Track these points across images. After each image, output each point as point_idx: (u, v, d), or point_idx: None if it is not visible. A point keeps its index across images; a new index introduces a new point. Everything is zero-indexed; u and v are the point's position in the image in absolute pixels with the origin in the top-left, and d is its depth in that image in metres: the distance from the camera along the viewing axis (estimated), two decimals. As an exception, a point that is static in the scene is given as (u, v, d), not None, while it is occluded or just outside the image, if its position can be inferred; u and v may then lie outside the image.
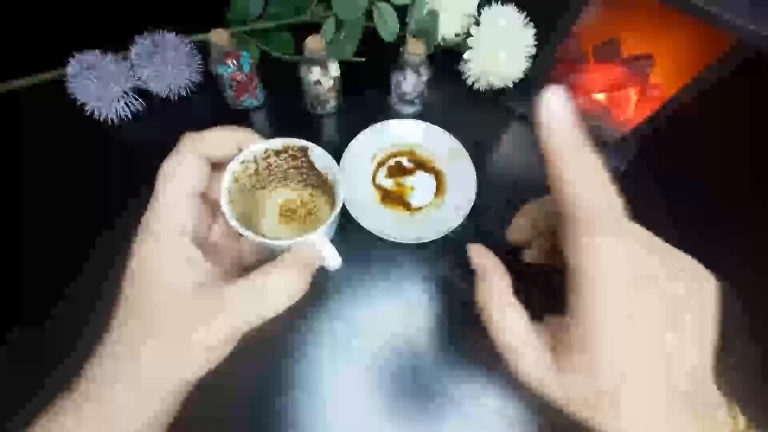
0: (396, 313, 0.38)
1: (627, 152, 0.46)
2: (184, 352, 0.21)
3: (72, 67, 0.42)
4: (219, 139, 0.25)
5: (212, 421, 0.32)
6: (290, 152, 0.28)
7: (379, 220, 0.41)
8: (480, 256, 0.24)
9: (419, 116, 0.47)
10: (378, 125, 0.45)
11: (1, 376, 0.33)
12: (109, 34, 0.44)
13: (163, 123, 0.46)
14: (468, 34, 0.46)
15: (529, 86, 0.47)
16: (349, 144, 0.44)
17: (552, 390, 0.19)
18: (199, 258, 0.23)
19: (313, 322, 0.37)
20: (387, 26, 0.45)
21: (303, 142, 0.28)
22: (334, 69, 0.43)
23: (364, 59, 0.47)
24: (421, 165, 0.45)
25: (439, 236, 0.40)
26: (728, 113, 0.48)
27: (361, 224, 0.39)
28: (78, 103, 0.43)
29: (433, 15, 0.45)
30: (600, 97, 0.47)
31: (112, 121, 0.44)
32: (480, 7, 0.46)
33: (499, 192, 0.44)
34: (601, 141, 0.46)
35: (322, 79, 0.43)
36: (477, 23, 0.45)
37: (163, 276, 0.21)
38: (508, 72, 0.46)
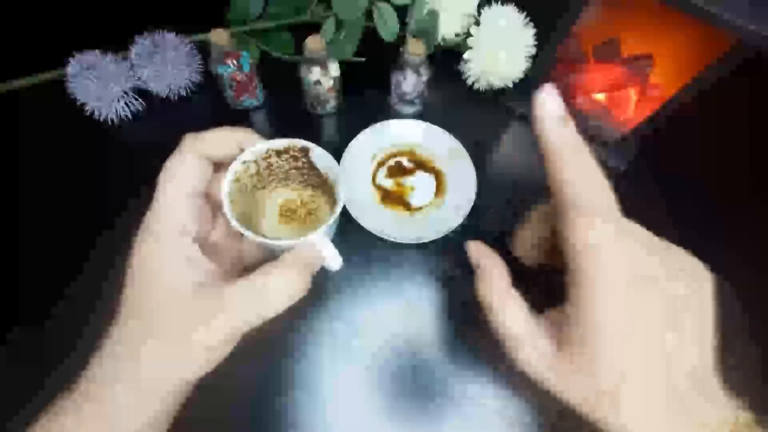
0: (396, 313, 0.38)
1: (627, 152, 0.46)
2: (184, 352, 0.21)
3: (72, 67, 0.42)
4: (220, 139, 0.25)
5: (212, 421, 0.32)
6: (291, 152, 0.28)
7: (379, 220, 0.41)
8: (479, 252, 0.24)
9: (419, 116, 0.47)
10: (378, 125, 0.45)
11: (1, 376, 0.33)
12: (109, 34, 0.44)
13: (163, 123, 0.46)
14: (468, 34, 0.46)
15: (529, 86, 0.47)
16: (349, 144, 0.44)
17: (552, 383, 0.20)
18: (200, 258, 0.23)
19: (313, 322, 0.37)
20: (387, 26, 0.45)
21: (304, 143, 0.28)
22: (334, 69, 0.43)
23: (364, 59, 0.47)
24: (421, 165, 0.45)
25: (439, 236, 0.40)
26: (728, 113, 0.48)
27: (361, 224, 0.39)
28: (78, 103, 0.43)
29: (433, 15, 0.45)
30: (600, 97, 0.47)
31: (112, 121, 0.44)
32: (480, 7, 0.46)
33: (499, 192, 0.44)
34: (601, 141, 0.46)
35: (322, 79, 0.43)
36: (477, 23, 0.45)
37: (163, 276, 0.21)
38: (508, 72, 0.46)
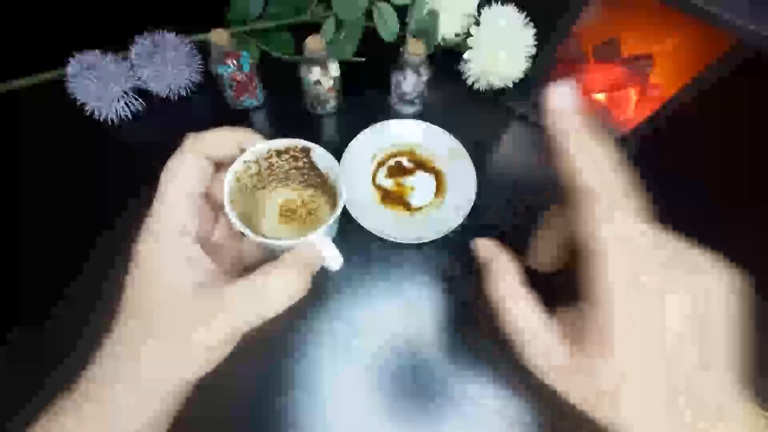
0: (396, 313, 0.38)
1: (627, 152, 0.46)
2: (184, 352, 0.21)
3: (72, 67, 0.42)
4: (221, 139, 0.25)
5: (212, 421, 0.32)
6: (292, 152, 0.28)
7: (379, 220, 0.41)
8: (486, 249, 0.24)
9: (419, 116, 0.47)
10: (378, 125, 0.45)
11: (1, 376, 0.33)
12: (109, 34, 0.44)
13: (163, 123, 0.46)
14: (468, 34, 0.46)
15: (529, 86, 0.47)
16: (349, 144, 0.44)
17: (562, 383, 0.19)
18: (200, 258, 0.23)
19: (313, 322, 0.37)
20: (387, 26, 0.45)
21: (305, 143, 0.28)
22: (334, 69, 0.43)
23: (364, 59, 0.47)
24: (421, 165, 0.45)
25: (439, 236, 0.40)
26: (728, 113, 0.48)
27: (361, 224, 0.39)
28: (78, 103, 0.43)
29: (433, 15, 0.45)
30: (600, 97, 0.47)
31: (112, 121, 0.44)
32: (480, 7, 0.46)
33: (499, 192, 0.44)
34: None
35: (322, 79, 0.43)
36: (477, 23, 0.45)
37: (163, 276, 0.21)
38: (508, 72, 0.46)
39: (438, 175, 0.44)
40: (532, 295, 0.21)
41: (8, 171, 0.42)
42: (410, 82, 0.44)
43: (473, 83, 0.49)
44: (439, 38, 0.48)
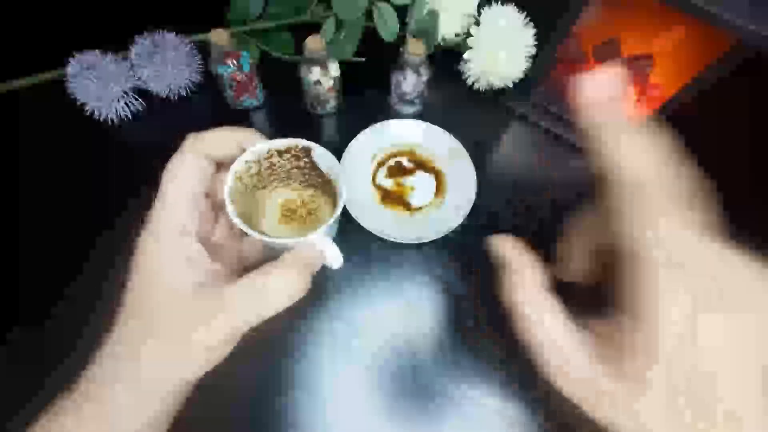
0: (396, 313, 0.38)
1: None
2: (184, 352, 0.21)
3: (72, 67, 0.42)
4: (221, 139, 0.25)
5: (212, 421, 0.32)
6: (293, 152, 0.28)
7: (379, 220, 0.41)
8: (505, 247, 0.21)
9: (419, 116, 0.47)
10: (378, 125, 0.45)
11: (1, 376, 0.33)
12: (109, 34, 0.44)
13: (163, 123, 0.46)
14: (468, 34, 0.46)
15: (529, 86, 0.47)
16: (349, 144, 0.44)
17: (591, 401, 0.17)
18: (200, 258, 0.23)
19: (313, 322, 0.37)
20: (387, 26, 0.45)
21: (306, 142, 0.28)
22: (334, 69, 0.43)
23: (364, 59, 0.47)
24: (421, 165, 0.45)
25: (439, 236, 0.40)
26: (728, 113, 0.48)
27: (361, 224, 0.39)
28: (78, 103, 0.43)
29: (433, 15, 0.45)
30: (600, 97, 0.46)
31: (112, 121, 0.44)
32: (480, 7, 0.46)
33: (499, 192, 0.44)
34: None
35: (322, 79, 0.43)
36: (477, 23, 0.45)
37: (163, 276, 0.21)
38: (508, 72, 0.46)
39: (438, 175, 0.44)
40: (556, 302, 0.19)
41: (8, 171, 0.42)
42: (410, 82, 0.44)
43: (473, 83, 0.49)
44: (439, 38, 0.48)
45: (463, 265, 0.40)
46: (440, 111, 0.48)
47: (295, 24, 0.48)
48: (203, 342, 0.21)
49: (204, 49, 0.44)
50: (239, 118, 0.47)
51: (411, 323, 0.38)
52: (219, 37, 0.39)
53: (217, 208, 0.26)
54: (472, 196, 0.42)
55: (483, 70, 0.46)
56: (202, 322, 0.21)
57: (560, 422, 0.34)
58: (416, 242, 0.40)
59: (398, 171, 0.45)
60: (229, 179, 0.25)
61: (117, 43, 0.44)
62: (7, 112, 0.44)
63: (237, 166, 0.26)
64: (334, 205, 0.28)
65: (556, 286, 0.20)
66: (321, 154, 0.28)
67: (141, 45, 0.43)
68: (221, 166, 0.26)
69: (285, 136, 0.27)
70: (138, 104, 0.45)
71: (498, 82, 0.47)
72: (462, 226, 0.40)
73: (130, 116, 0.45)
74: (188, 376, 0.22)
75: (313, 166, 0.30)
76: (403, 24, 0.46)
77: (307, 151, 0.28)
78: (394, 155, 0.45)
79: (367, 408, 0.34)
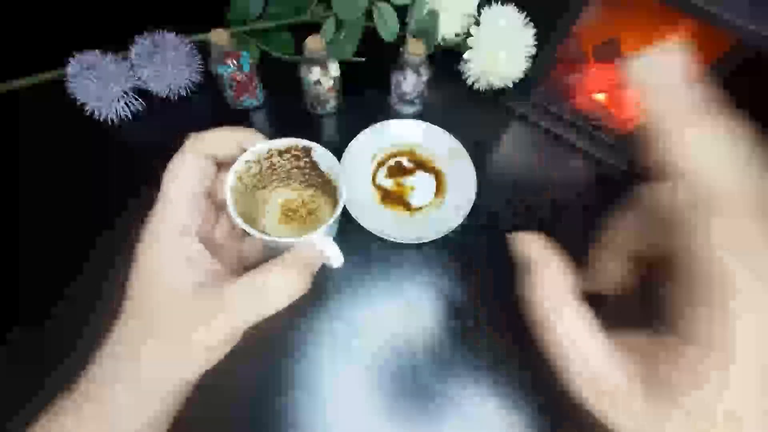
0: (396, 313, 0.38)
1: (627, 152, 0.46)
2: (184, 352, 0.21)
3: (72, 67, 0.42)
4: (222, 139, 0.25)
5: (212, 421, 0.32)
6: (293, 152, 0.28)
7: (379, 220, 0.41)
8: (529, 245, 0.19)
9: (419, 116, 0.47)
10: (378, 125, 0.45)
11: (1, 376, 0.33)
12: (109, 34, 0.44)
13: (163, 123, 0.46)
14: (468, 34, 0.46)
15: (529, 86, 0.47)
16: (349, 144, 0.44)
17: (619, 422, 0.15)
18: (200, 258, 0.23)
19: (313, 322, 0.37)
20: (387, 26, 0.45)
21: (306, 142, 0.28)
22: (334, 69, 0.43)
23: (364, 59, 0.47)
24: (421, 165, 0.45)
25: (439, 236, 0.40)
26: (728, 113, 0.48)
27: (361, 224, 0.39)
28: (78, 103, 0.43)
29: (433, 15, 0.45)
30: (600, 97, 0.47)
31: (112, 121, 0.44)
32: (480, 7, 0.46)
33: (499, 192, 0.44)
34: (601, 141, 0.47)
35: (322, 79, 0.43)
36: (477, 23, 0.45)
37: (163, 276, 0.21)
38: (508, 72, 0.46)
39: (438, 175, 0.44)
40: (587, 310, 0.17)
41: (8, 171, 0.42)
42: (410, 82, 0.44)
43: (473, 83, 0.49)
44: (439, 38, 0.48)
45: (463, 265, 0.40)
46: (440, 111, 0.48)
47: (295, 24, 0.48)
48: (203, 342, 0.21)
49: (204, 49, 0.44)
50: (239, 118, 0.47)
51: (411, 323, 0.38)
52: (219, 37, 0.39)
53: (218, 207, 0.26)
54: (472, 196, 0.42)
55: (483, 70, 0.46)
56: (202, 322, 0.21)
57: (560, 422, 0.34)
58: (416, 242, 0.40)
59: (398, 171, 0.45)
60: (229, 179, 0.25)
61: (117, 43, 0.44)
62: (7, 112, 0.44)
63: (237, 166, 0.26)
64: (335, 205, 0.28)
65: (586, 297, 0.18)
66: (321, 154, 0.28)
67: (141, 45, 0.43)
68: (222, 166, 0.26)
69: (285, 136, 0.27)
70: (138, 104, 0.45)
71: (498, 82, 0.47)
72: (462, 226, 0.40)
73: (130, 116, 0.45)
74: (188, 376, 0.22)
75: (314, 166, 0.30)
76: (403, 24, 0.46)
77: (307, 151, 0.28)
78: (394, 155, 0.45)
79: (367, 408, 0.34)
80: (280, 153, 0.28)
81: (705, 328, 0.13)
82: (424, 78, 0.44)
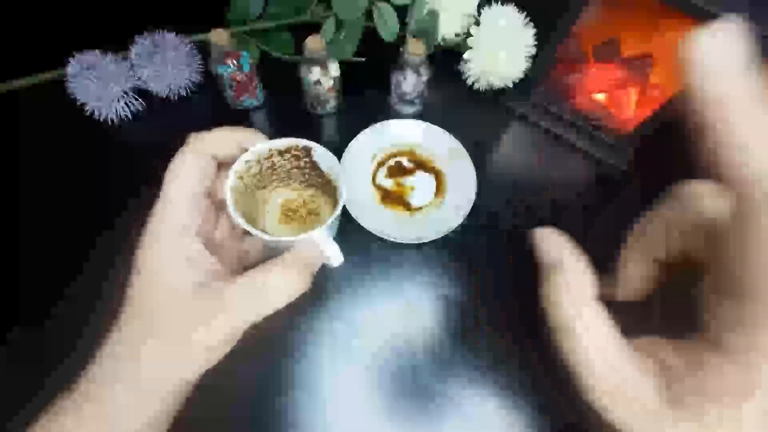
0: (396, 313, 0.38)
1: (627, 152, 0.46)
2: (184, 352, 0.21)
3: (72, 67, 0.42)
4: (223, 139, 0.25)
5: (212, 421, 0.32)
6: (293, 152, 0.28)
7: (379, 220, 0.41)
8: (552, 243, 0.18)
9: (419, 116, 0.47)
10: (378, 125, 0.45)
11: (1, 376, 0.33)
12: (109, 34, 0.44)
13: (163, 123, 0.46)
14: (468, 34, 0.46)
15: (529, 86, 0.47)
16: (349, 144, 0.44)
17: (640, 426, 0.14)
18: (200, 258, 0.23)
19: (313, 322, 0.37)
20: (387, 26, 0.45)
21: (306, 142, 0.28)
22: (334, 69, 0.43)
23: (364, 59, 0.47)
24: (421, 165, 0.45)
25: (439, 236, 0.40)
26: None
27: (361, 224, 0.39)
28: (78, 103, 0.43)
29: (433, 15, 0.45)
30: (600, 97, 0.47)
31: (112, 121, 0.44)
32: (480, 7, 0.46)
33: (499, 192, 0.44)
34: (601, 141, 0.46)
35: (322, 79, 0.43)
36: (477, 23, 0.45)
37: (163, 276, 0.21)
38: (508, 72, 0.46)
39: (438, 175, 0.44)
40: (607, 315, 0.16)
41: (8, 171, 0.42)
42: (410, 82, 0.44)
43: (473, 83, 0.49)
44: (439, 38, 0.48)
45: (463, 265, 0.40)
46: (440, 111, 0.48)
47: (295, 24, 0.48)
48: (203, 342, 0.21)
49: (204, 49, 0.44)
50: (239, 118, 0.47)
51: (411, 323, 0.38)
52: (219, 37, 0.39)
53: (218, 207, 0.26)
54: (472, 196, 0.42)
55: (483, 70, 0.46)
56: (202, 322, 0.21)
57: (561, 422, 0.34)
58: (416, 242, 0.40)
59: (398, 171, 0.45)
60: (230, 179, 0.25)
61: (117, 43, 0.44)
62: (7, 112, 0.44)
63: (238, 166, 0.26)
64: (335, 205, 0.28)
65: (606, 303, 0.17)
66: (321, 154, 0.28)
67: (141, 45, 0.43)
68: (222, 165, 0.26)
69: (285, 136, 0.27)
70: (138, 104, 0.45)
71: (498, 82, 0.47)
72: (462, 226, 0.40)
73: (130, 116, 0.45)
74: (188, 376, 0.22)
75: (314, 166, 0.30)
76: (403, 24, 0.46)
77: (307, 151, 0.28)
78: (394, 155, 0.45)
79: (367, 408, 0.34)
80: (281, 153, 0.28)
81: (747, 341, 0.13)
82: (424, 78, 0.44)
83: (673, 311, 0.16)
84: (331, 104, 0.46)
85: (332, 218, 0.26)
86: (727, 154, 0.12)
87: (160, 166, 0.24)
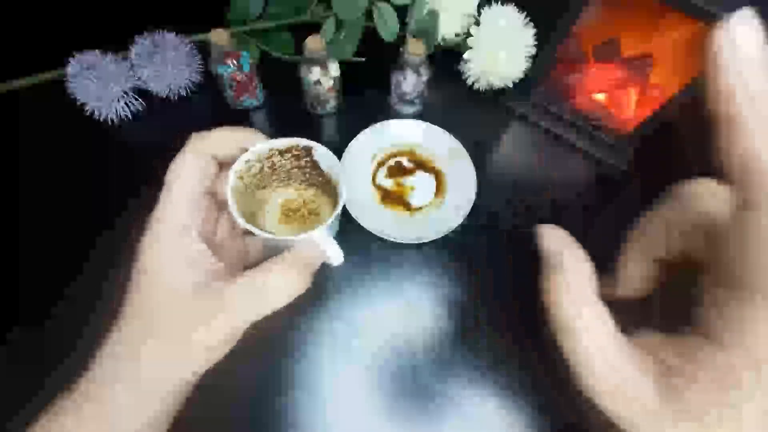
0: (396, 313, 0.38)
1: (627, 152, 0.46)
2: (184, 352, 0.21)
3: (72, 67, 0.42)
4: (223, 139, 0.25)
5: (212, 421, 0.32)
6: (294, 152, 0.29)
7: (379, 220, 0.41)
8: (555, 240, 0.18)
9: (419, 116, 0.47)
10: (378, 125, 0.45)
11: (1, 376, 0.33)
12: (109, 34, 0.44)
13: (163, 123, 0.46)
14: (468, 34, 0.46)
15: (529, 86, 0.47)
16: (349, 144, 0.44)
17: (640, 422, 0.14)
18: (201, 257, 0.23)
19: (313, 322, 0.37)
20: (387, 26, 0.45)
21: (307, 141, 0.28)
22: (334, 69, 0.43)
23: (364, 59, 0.47)
24: (421, 165, 0.45)
25: (439, 236, 0.40)
26: None
27: (361, 224, 0.39)
28: (78, 103, 0.43)
29: (433, 15, 0.45)
30: (600, 97, 0.47)
31: (112, 121, 0.44)
32: (480, 7, 0.46)
33: (499, 192, 0.44)
34: (601, 141, 0.46)
35: (322, 79, 0.43)
36: (477, 23, 0.45)
37: (163, 276, 0.21)
38: (508, 72, 0.46)
39: (438, 175, 0.44)
40: (607, 312, 0.16)
41: (8, 171, 0.42)
42: (410, 82, 0.44)
43: (473, 83, 0.49)
44: (439, 38, 0.48)
45: (463, 265, 0.40)
46: (440, 111, 0.48)
47: (295, 24, 0.48)
48: (203, 342, 0.21)
49: (204, 49, 0.44)
50: (239, 118, 0.47)
51: (411, 323, 0.38)
52: (219, 37, 0.39)
53: (219, 207, 0.26)
54: (472, 196, 0.42)
55: (483, 70, 0.46)
56: (202, 322, 0.21)
57: (561, 422, 0.34)
58: (416, 242, 0.40)
59: (398, 171, 0.45)
60: (230, 178, 0.25)
61: (117, 43, 0.44)
62: (7, 112, 0.44)
63: (238, 166, 0.26)
64: (335, 204, 0.28)
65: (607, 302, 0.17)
66: (322, 154, 0.28)
67: (141, 45, 0.43)
68: (223, 165, 0.26)
69: (285, 136, 0.27)
70: (138, 104, 0.45)
71: (498, 82, 0.47)
72: (462, 226, 0.40)
73: (130, 116, 0.45)
74: (188, 376, 0.22)
75: (314, 166, 0.30)
76: (403, 24, 0.46)
77: (308, 151, 0.28)
78: (394, 155, 0.45)
79: (367, 408, 0.34)
80: (281, 153, 0.28)
81: (743, 337, 0.13)
82: (424, 78, 0.44)
83: (671, 309, 0.16)
84: (331, 104, 0.46)
85: (332, 218, 0.26)
86: (735, 150, 0.12)
87: (160, 166, 0.24)
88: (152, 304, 0.21)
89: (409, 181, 0.44)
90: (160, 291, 0.21)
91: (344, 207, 0.32)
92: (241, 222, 0.24)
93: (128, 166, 0.41)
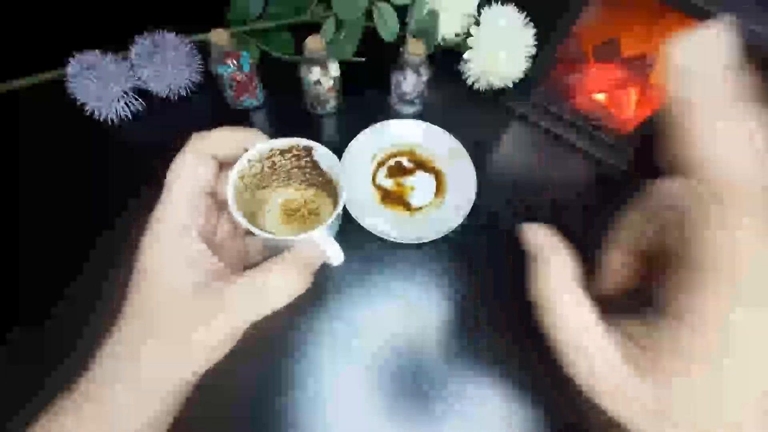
0: (396, 313, 0.38)
1: (627, 152, 0.46)
2: (184, 352, 0.21)
3: (72, 67, 0.42)
4: (224, 139, 0.25)
5: (212, 421, 0.32)
6: (294, 152, 0.29)
7: (379, 220, 0.41)
8: (537, 235, 0.19)
9: (419, 116, 0.47)
10: (378, 125, 0.45)
11: (1, 376, 0.33)
12: (109, 34, 0.44)
13: (163, 123, 0.46)
14: (468, 34, 0.46)
15: (529, 86, 0.47)
16: (349, 144, 0.44)
17: (620, 403, 0.15)
18: (201, 257, 0.23)
19: (313, 322, 0.37)
20: (387, 26, 0.45)
21: (307, 141, 0.28)
22: (334, 69, 0.43)
23: (364, 59, 0.47)
24: (421, 165, 0.45)
25: (439, 236, 0.40)
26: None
27: (361, 224, 0.39)
28: (78, 103, 0.43)
29: (433, 15, 0.45)
30: (600, 97, 0.47)
31: (112, 121, 0.44)
32: (480, 7, 0.46)
33: (499, 192, 0.44)
34: (601, 141, 0.47)
35: (322, 79, 0.43)
36: (477, 23, 0.45)
37: (163, 276, 0.22)
38: (508, 72, 0.46)
39: (438, 175, 0.44)
40: (587, 299, 0.17)
41: (8, 171, 0.42)
42: (410, 82, 0.44)
43: (473, 83, 0.49)
44: (439, 38, 0.48)
45: (463, 265, 0.40)
46: (440, 111, 0.48)
47: (295, 24, 0.48)
48: (203, 342, 0.21)
49: (204, 49, 0.44)
50: (239, 118, 0.47)
51: (411, 323, 0.38)
52: (219, 37, 0.39)
53: (219, 207, 0.26)
54: (472, 196, 0.42)
55: (483, 70, 0.46)
56: (202, 321, 0.21)
57: (561, 422, 0.34)
58: (416, 242, 0.40)
59: (398, 171, 0.45)
60: (231, 178, 0.25)
61: (117, 43, 0.44)
62: (7, 112, 0.44)
63: (239, 166, 0.26)
64: (335, 204, 0.28)
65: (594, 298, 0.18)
66: (322, 154, 0.28)
67: (141, 45, 0.43)
68: (223, 165, 0.26)
69: (285, 136, 0.27)
70: (138, 104, 0.45)
71: (498, 82, 0.47)
72: (462, 226, 0.40)
73: (130, 116, 0.45)
74: (188, 376, 0.22)
75: (314, 166, 0.30)
76: (403, 24, 0.46)
77: (308, 151, 0.28)
78: (394, 155, 0.45)
79: (367, 408, 0.34)
80: (282, 153, 0.28)
81: (687, 305, 0.14)
82: (424, 78, 0.44)
83: (639, 295, 0.17)
84: (331, 104, 0.46)
85: (332, 218, 0.26)
86: (693, 150, 0.14)
87: (160, 166, 0.24)
88: (152, 304, 0.21)
89: (409, 181, 0.44)
90: (160, 291, 0.21)
91: (344, 207, 0.32)
92: (242, 222, 0.24)
93: (128, 166, 0.41)
